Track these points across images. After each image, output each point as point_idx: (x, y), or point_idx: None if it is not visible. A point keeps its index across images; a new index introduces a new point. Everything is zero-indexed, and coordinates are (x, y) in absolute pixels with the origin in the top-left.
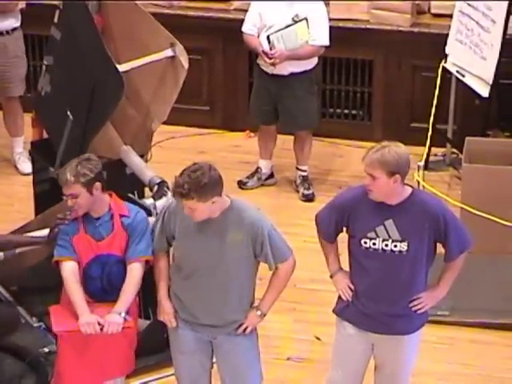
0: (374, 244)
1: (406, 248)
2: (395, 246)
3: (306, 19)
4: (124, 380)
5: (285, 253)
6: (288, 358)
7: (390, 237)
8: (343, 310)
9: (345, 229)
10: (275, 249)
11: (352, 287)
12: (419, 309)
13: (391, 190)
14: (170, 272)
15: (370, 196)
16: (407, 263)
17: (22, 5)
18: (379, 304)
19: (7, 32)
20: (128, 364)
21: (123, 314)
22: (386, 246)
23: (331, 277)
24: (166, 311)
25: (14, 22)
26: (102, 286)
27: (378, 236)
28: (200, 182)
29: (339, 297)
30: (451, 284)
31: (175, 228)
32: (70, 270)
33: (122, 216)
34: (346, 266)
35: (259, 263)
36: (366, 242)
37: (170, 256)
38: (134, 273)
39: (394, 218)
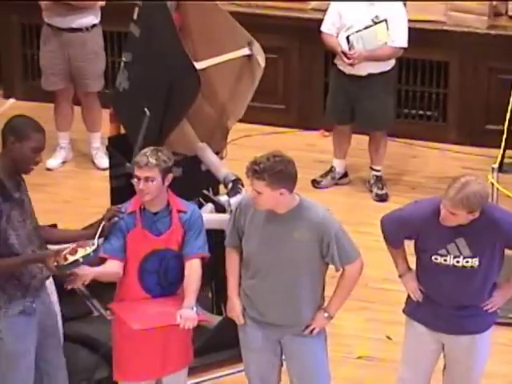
0: (445, 261)
1: (477, 263)
2: (467, 262)
3: (385, 21)
4: (186, 373)
5: (351, 255)
6: (359, 357)
7: (461, 253)
8: (414, 311)
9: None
10: (342, 251)
11: (422, 289)
12: (490, 308)
13: (467, 220)
14: (241, 271)
15: (444, 224)
16: (479, 276)
17: (102, 2)
18: (450, 309)
19: (86, 29)
20: (188, 357)
21: (195, 309)
22: (458, 262)
23: (400, 277)
24: (235, 308)
25: (93, 19)
26: (158, 281)
27: (449, 253)
28: (276, 168)
29: (408, 296)
30: None
31: (245, 225)
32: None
33: (179, 212)
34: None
35: (328, 263)
36: (436, 259)
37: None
38: (195, 268)
39: (465, 237)
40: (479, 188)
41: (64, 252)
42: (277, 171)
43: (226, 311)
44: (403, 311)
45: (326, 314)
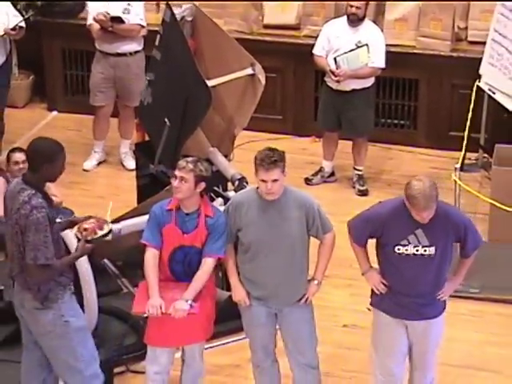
0: (407, 250)
1: (433, 252)
2: (425, 251)
3: (367, 45)
4: (203, 344)
5: (329, 225)
6: (344, 325)
7: (420, 243)
8: (379, 303)
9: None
10: (323, 222)
11: (385, 282)
12: (441, 297)
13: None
14: (238, 261)
15: (422, 222)
16: (435, 263)
17: (144, 32)
18: (410, 297)
19: (130, 54)
20: (204, 333)
21: (190, 302)
22: (417, 250)
23: (363, 274)
24: (240, 293)
25: (136, 46)
26: (184, 269)
27: (409, 243)
28: (281, 154)
29: (373, 291)
30: (465, 272)
31: (241, 220)
32: (151, 256)
33: (206, 216)
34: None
35: (309, 241)
36: (399, 249)
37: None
38: (207, 267)
39: (423, 228)
40: (427, 182)
41: (89, 228)
42: (283, 157)
43: (232, 298)
44: (370, 304)
45: (316, 282)
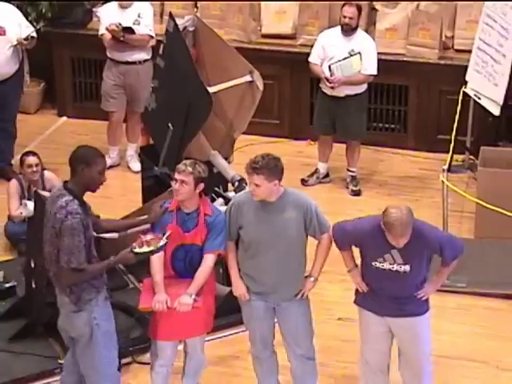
0: (383, 266)
1: (408, 269)
2: (400, 268)
3: (359, 53)
4: (204, 337)
5: (326, 226)
6: (339, 319)
7: (395, 261)
8: (362, 301)
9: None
10: (320, 222)
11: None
12: (422, 296)
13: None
14: (238, 257)
15: (398, 246)
16: (410, 277)
17: (153, 42)
18: (390, 298)
19: (139, 62)
20: (205, 326)
21: (193, 296)
22: (393, 267)
23: (348, 272)
24: (240, 289)
25: (145, 55)
26: (185, 266)
27: (385, 261)
28: (271, 164)
29: (356, 290)
30: (447, 276)
31: (242, 219)
32: (155, 255)
33: (206, 215)
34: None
35: (307, 237)
36: (375, 264)
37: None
38: (208, 263)
39: (398, 248)
40: (404, 209)
41: (140, 240)
42: (272, 166)
43: (232, 292)
44: (354, 302)
45: (312, 279)
